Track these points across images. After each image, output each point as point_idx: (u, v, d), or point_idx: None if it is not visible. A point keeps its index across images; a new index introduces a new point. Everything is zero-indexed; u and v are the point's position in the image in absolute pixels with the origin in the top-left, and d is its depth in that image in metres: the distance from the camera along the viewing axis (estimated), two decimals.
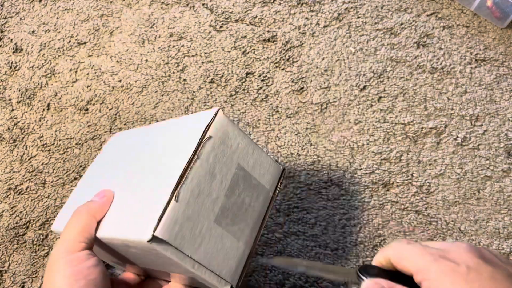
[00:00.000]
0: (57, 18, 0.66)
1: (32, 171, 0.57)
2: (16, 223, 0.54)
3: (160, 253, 0.32)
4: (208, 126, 0.35)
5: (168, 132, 0.40)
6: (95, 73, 0.63)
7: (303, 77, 0.61)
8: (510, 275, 0.29)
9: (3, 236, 0.54)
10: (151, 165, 0.37)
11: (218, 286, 0.36)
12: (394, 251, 0.32)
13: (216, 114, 0.36)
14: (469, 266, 0.29)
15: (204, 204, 0.34)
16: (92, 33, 0.65)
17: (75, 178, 0.57)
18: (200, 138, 0.35)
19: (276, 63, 0.62)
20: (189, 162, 0.34)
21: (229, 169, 0.36)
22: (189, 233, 0.33)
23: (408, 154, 0.55)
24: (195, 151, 0.34)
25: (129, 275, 0.44)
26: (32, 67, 0.63)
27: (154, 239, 0.31)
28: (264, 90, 0.60)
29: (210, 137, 0.35)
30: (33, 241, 0.53)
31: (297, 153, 0.56)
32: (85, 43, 0.65)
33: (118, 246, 0.36)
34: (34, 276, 0.52)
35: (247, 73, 0.61)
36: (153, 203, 0.33)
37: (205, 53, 0.63)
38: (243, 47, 0.63)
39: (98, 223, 0.37)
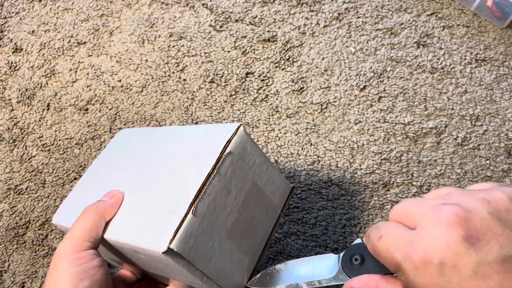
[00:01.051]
0: (57, 18, 0.66)
1: (32, 171, 0.57)
2: (16, 223, 0.54)
3: (172, 264, 0.32)
4: (229, 141, 0.35)
5: (185, 140, 0.40)
6: (95, 73, 0.63)
7: (303, 77, 0.61)
8: (506, 258, 0.22)
9: (3, 236, 0.54)
10: (167, 173, 0.37)
11: None
12: (370, 248, 0.30)
13: (237, 129, 0.36)
14: (443, 260, 0.23)
15: (218, 219, 0.34)
16: (92, 33, 0.65)
17: (75, 178, 0.57)
18: (220, 153, 0.34)
19: (276, 63, 0.62)
20: (208, 176, 0.33)
21: (244, 185, 0.36)
22: (202, 247, 0.33)
23: (408, 154, 0.55)
24: (215, 165, 0.34)
25: (125, 273, 0.44)
26: (32, 67, 0.63)
27: (169, 251, 0.31)
28: (264, 90, 0.60)
29: (230, 153, 0.35)
30: (33, 241, 0.53)
31: (297, 153, 0.56)
32: (85, 43, 0.64)
33: (125, 250, 0.36)
34: (34, 276, 0.52)
35: (247, 73, 0.61)
36: (169, 214, 0.33)
37: (205, 53, 0.63)
38: (243, 47, 0.63)
39: (106, 224, 0.36)
